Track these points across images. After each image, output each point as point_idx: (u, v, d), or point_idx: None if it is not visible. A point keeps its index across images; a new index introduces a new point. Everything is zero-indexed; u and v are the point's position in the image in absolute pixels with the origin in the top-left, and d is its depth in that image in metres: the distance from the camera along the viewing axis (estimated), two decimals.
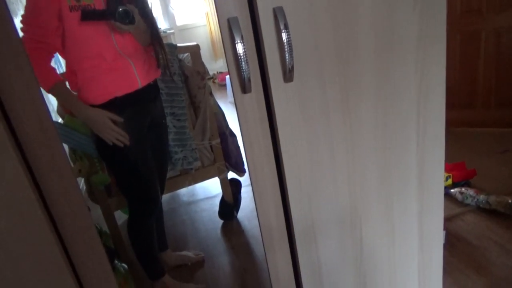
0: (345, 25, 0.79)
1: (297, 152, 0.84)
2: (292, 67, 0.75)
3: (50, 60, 1.32)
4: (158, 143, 1.65)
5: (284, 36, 0.72)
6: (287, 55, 0.73)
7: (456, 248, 1.79)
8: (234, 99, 0.78)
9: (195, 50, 1.95)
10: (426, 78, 0.89)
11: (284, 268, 0.93)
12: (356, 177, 0.91)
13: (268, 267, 0.92)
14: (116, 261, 1.77)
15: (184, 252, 2.00)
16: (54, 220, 0.74)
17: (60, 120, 2.03)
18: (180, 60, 1.95)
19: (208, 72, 2.08)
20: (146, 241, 1.66)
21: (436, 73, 0.89)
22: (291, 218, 0.89)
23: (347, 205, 0.93)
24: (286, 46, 0.72)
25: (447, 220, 1.96)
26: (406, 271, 1.08)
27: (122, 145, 1.40)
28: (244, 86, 0.75)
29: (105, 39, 1.30)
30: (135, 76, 1.40)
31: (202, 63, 1.97)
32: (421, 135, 0.93)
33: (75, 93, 1.39)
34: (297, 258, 0.93)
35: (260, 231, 0.89)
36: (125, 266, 1.80)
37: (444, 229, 1.13)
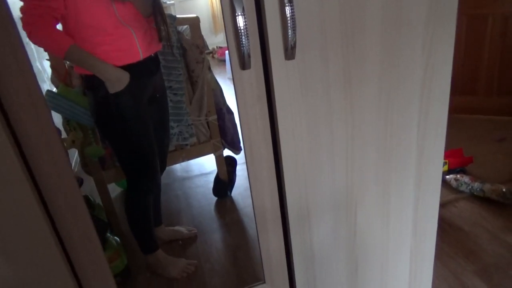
0: (352, 1, 0.75)
1: (295, 132, 0.82)
2: (295, 43, 0.71)
3: (56, 25, 1.25)
4: (159, 119, 1.61)
5: (287, 10, 0.68)
6: (290, 31, 0.70)
7: (447, 234, 1.80)
8: (232, 75, 0.74)
9: (194, 22, 1.89)
10: (433, 61, 0.85)
11: (276, 250, 0.92)
12: (354, 160, 0.89)
13: (260, 249, 0.91)
14: (108, 234, 1.77)
15: (177, 227, 2.00)
16: (42, 194, 0.72)
17: (54, 89, 1.98)
18: (179, 32, 1.89)
19: (207, 46, 2.02)
20: (143, 216, 1.66)
21: (443, 57, 0.86)
22: (286, 200, 0.87)
23: (343, 189, 0.92)
24: (289, 21, 0.69)
25: (440, 206, 1.94)
26: (398, 256, 1.07)
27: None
28: (243, 62, 0.72)
29: (106, 8, 1.25)
30: (137, 47, 1.36)
31: (202, 37, 1.92)
32: (423, 120, 0.91)
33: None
34: (290, 241, 0.92)
35: (254, 212, 0.87)
36: (118, 239, 1.80)
37: None
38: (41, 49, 1.45)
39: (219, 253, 1.86)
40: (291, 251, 0.94)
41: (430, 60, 0.85)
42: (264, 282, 0.96)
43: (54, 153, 0.70)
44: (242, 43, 0.69)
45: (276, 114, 0.78)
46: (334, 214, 0.94)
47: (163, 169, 1.78)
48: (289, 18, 0.68)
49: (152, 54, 1.43)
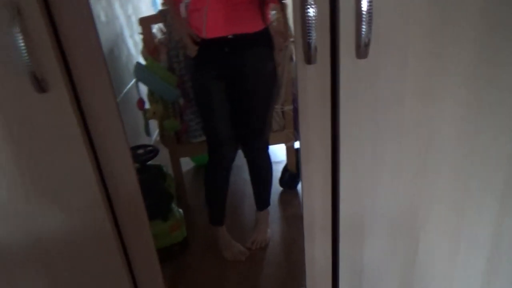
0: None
1: (358, 137, 0.74)
2: (369, 41, 0.64)
3: None
4: (239, 98, 1.59)
5: (364, 3, 0.60)
6: (365, 26, 0.62)
7: None
8: (296, 69, 0.69)
9: (282, 8, 1.85)
10: None
11: (322, 261, 0.87)
12: (424, 177, 0.79)
13: (305, 253, 0.86)
14: (173, 205, 1.86)
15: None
16: (97, 154, 0.75)
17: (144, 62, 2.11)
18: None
19: (292, 34, 1.97)
20: (212, 187, 1.76)
21: None
22: (339, 209, 0.81)
23: (407, 206, 0.82)
24: (365, 16, 0.61)
25: None
26: None
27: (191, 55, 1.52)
28: (309, 56, 0.66)
29: None
30: (202, 25, 1.43)
31: (287, 24, 1.86)
32: None
33: None
34: (338, 252, 0.86)
35: (302, 214, 0.83)
36: (181, 211, 1.89)
37: None
38: None
39: (275, 244, 1.84)
40: (338, 263, 0.88)
41: None
42: None
43: (111, 121, 0.72)
44: (310, 35, 0.64)
45: (339, 115, 0.72)
46: (393, 233, 0.85)
47: (253, 145, 1.73)
48: (365, 12, 0.61)
49: (229, 35, 1.43)
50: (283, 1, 1.57)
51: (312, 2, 0.62)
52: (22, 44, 0.59)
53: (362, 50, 0.65)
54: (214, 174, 1.73)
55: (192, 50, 1.48)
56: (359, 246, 0.86)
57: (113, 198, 0.79)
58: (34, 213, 0.75)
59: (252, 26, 1.46)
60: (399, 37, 0.66)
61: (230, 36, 1.44)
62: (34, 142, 0.69)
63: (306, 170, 0.79)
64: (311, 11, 0.62)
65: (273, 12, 1.92)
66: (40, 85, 0.64)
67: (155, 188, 1.81)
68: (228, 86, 1.56)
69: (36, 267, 0.81)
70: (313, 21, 0.63)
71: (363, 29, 0.62)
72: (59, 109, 0.67)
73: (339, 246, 0.86)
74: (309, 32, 0.63)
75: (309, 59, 0.67)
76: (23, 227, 0.76)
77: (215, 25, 1.41)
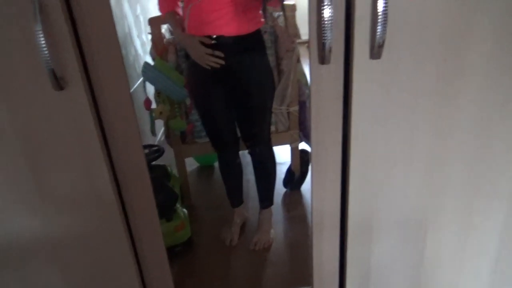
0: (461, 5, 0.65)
1: (368, 138, 0.75)
2: (383, 42, 0.65)
3: None
4: (231, 100, 1.61)
5: (380, 4, 0.61)
6: (379, 27, 0.63)
7: None
8: (310, 69, 0.70)
9: (290, 10, 1.86)
10: None
11: (329, 258, 0.87)
12: (434, 178, 0.80)
13: (312, 253, 0.87)
14: (178, 205, 1.86)
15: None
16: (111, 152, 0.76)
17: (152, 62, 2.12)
18: (273, 18, 1.88)
19: (300, 35, 1.98)
20: (226, 175, 1.89)
21: None
22: (348, 208, 0.82)
23: (416, 208, 0.83)
24: (380, 17, 0.62)
25: None
26: None
27: (217, 66, 1.44)
28: (323, 56, 0.67)
29: None
30: (185, 23, 1.45)
31: (295, 25, 1.88)
32: None
33: None
34: (346, 252, 0.86)
35: (311, 214, 0.83)
36: (185, 211, 1.89)
37: None
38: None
39: (278, 244, 1.85)
40: (346, 263, 0.88)
41: None
42: None
43: (126, 119, 0.73)
44: (325, 36, 0.64)
45: (350, 115, 0.73)
46: (401, 235, 0.85)
47: (252, 145, 1.75)
48: (380, 14, 0.62)
49: (212, 40, 1.40)
50: (284, 3, 1.57)
51: (328, 3, 0.62)
52: (43, 41, 0.60)
53: (376, 51, 0.66)
54: (224, 164, 1.85)
55: (193, 47, 1.48)
56: (367, 247, 0.87)
57: (124, 196, 0.80)
58: (48, 211, 0.76)
59: (235, 29, 1.41)
60: (414, 38, 0.67)
61: (213, 41, 1.41)
62: (50, 138, 0.70)
63: (316, 169, 0.79)
64: (327, 12, 0.63)
65: (280, 13, 1.93)
66: (59, 83, 0.64)
67: (161, 188, 1.82)
68: (219, 87, 1.56)
69: (49, 263, 0.81)
70: (329, 22, 0.63)
71: (378, 30, 0.63)
72: (75, 107, 0.68)
73: (347, 247, 0.86)
74: (324, 33, 0.64)
75: (323, 59, 0.68)
76: (37, 224, 0.77)
77: (193, 23, 1.42)
